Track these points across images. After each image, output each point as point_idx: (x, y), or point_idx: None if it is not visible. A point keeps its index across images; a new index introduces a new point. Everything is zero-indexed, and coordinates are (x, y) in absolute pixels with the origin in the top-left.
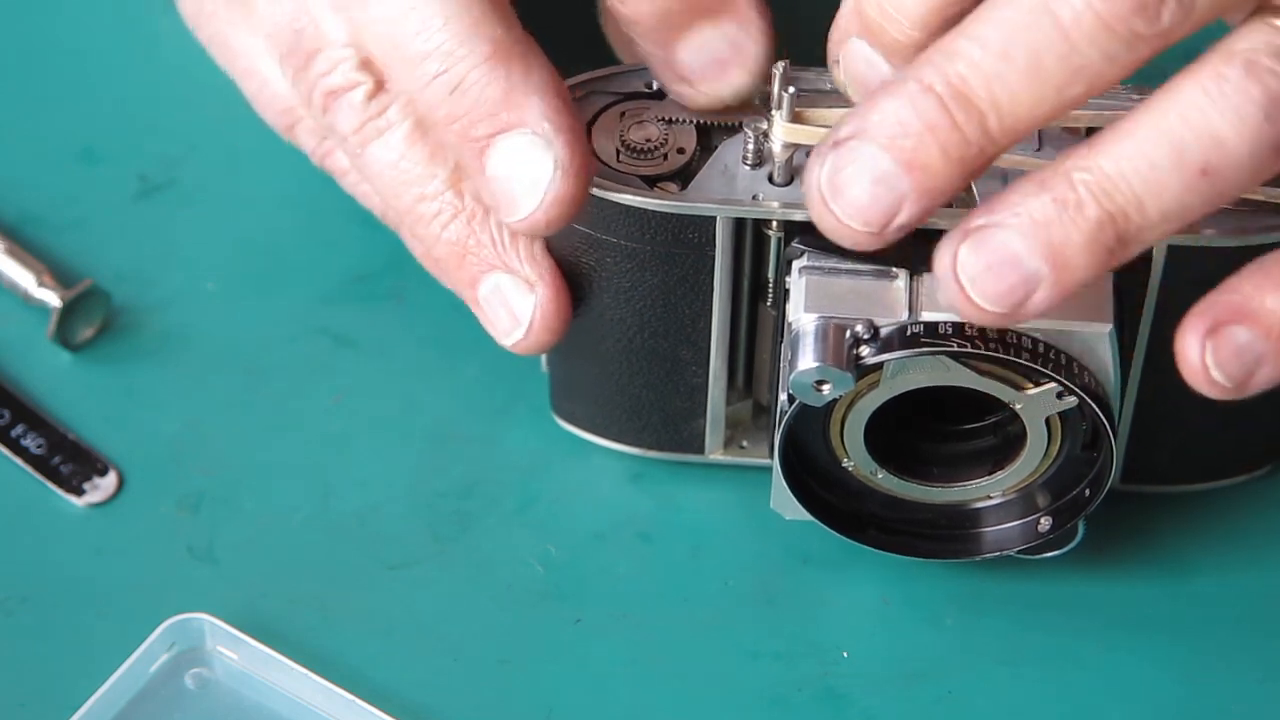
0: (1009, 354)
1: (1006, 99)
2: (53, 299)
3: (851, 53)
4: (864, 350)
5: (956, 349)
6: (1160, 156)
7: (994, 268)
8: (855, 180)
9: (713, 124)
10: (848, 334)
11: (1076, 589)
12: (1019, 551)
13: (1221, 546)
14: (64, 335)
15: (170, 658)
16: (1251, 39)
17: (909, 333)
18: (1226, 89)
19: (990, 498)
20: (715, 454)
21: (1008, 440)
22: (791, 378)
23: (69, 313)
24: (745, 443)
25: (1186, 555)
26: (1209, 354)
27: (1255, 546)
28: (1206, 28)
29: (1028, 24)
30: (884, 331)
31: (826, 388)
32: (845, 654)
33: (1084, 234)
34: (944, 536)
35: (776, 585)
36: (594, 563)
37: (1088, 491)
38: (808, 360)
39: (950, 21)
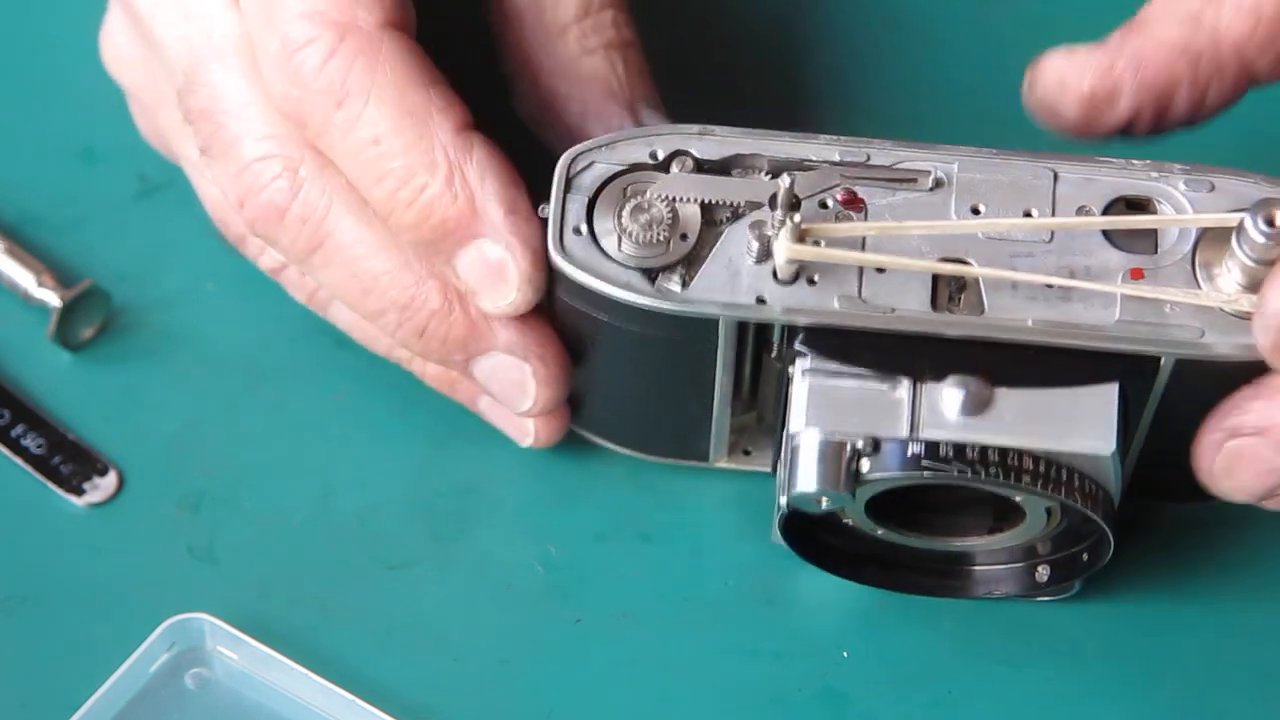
0: (1009, 478)
1: None
2: (53, 299)
3: None
4: (864, 464)
5: (956, 475)
6: None
7: None
8: (1249, 468)
9: (717, 203)
10: (847, 449)
11: (1077, 591)
12: (1016, 596)
13: (1228, 559)
14: (64, 335)
15: (170, 658)
16: None
17: (909, 453)
18: None
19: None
20: (720, 462)
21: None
22: (791, 495)
23: (69, 313)
24: (749, 449)
25: (1191, 565)
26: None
27: (1262, 561)
28: None
29: None
30: (885, 447)
31: (825, 501)
32: (845, 654)
33: None
34: (942, 573)
35: (776, 585)
36: (594, 563)
37: (1085, 556)
38: (809, 482)
39: None
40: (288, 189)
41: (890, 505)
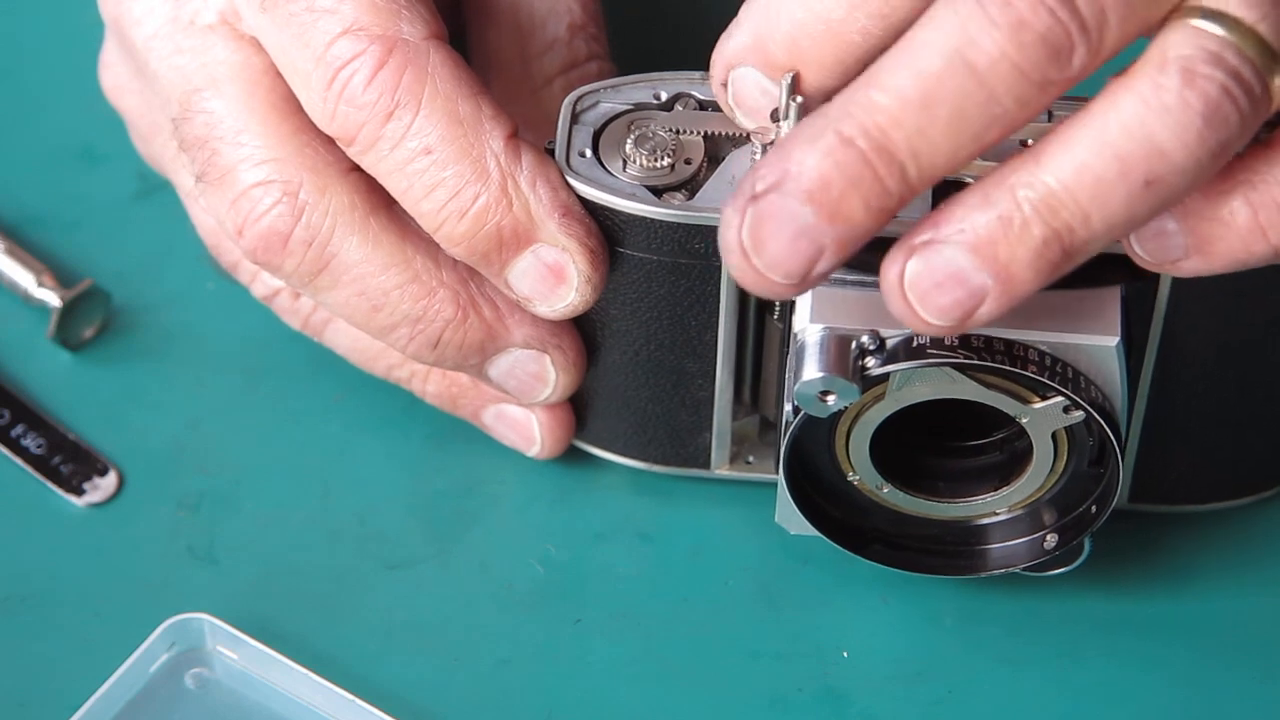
0: (1015, 366)
1: (926, 149)
2: (53, 299)
3: (744, 79)
4: (869, 361)
5: (962, 360)
6: (1104, 170)
7: (941, 284)
8: (777, 234)
9: (720, 135)
10: (853, 345)
11: (1078, 592)
12: (1024, 568)
13: (1227, 561)
14: (64, 335)
15: (170, 657)
16: (1181, 45)
17: (914, 344)
18: (1166, 99)
19: (996, 514)
20: (721, 469)
21: (1014, 456)
22: (796, 388)
23: (69, 313)
24: (751, 458)
25: (1190, 567)
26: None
27: (1261, 562)
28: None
29: (944, 74)
30: (889, 342)
31: (831, 398)
32: (845, 654)
33: (1030, 251)
34: (949, 553)
35: (776, 585)
36: (594, 563)
37: (1094, 508)
38: (812, 370)
39: (863, 63)
40: (289, 214)
41: (897, 463)
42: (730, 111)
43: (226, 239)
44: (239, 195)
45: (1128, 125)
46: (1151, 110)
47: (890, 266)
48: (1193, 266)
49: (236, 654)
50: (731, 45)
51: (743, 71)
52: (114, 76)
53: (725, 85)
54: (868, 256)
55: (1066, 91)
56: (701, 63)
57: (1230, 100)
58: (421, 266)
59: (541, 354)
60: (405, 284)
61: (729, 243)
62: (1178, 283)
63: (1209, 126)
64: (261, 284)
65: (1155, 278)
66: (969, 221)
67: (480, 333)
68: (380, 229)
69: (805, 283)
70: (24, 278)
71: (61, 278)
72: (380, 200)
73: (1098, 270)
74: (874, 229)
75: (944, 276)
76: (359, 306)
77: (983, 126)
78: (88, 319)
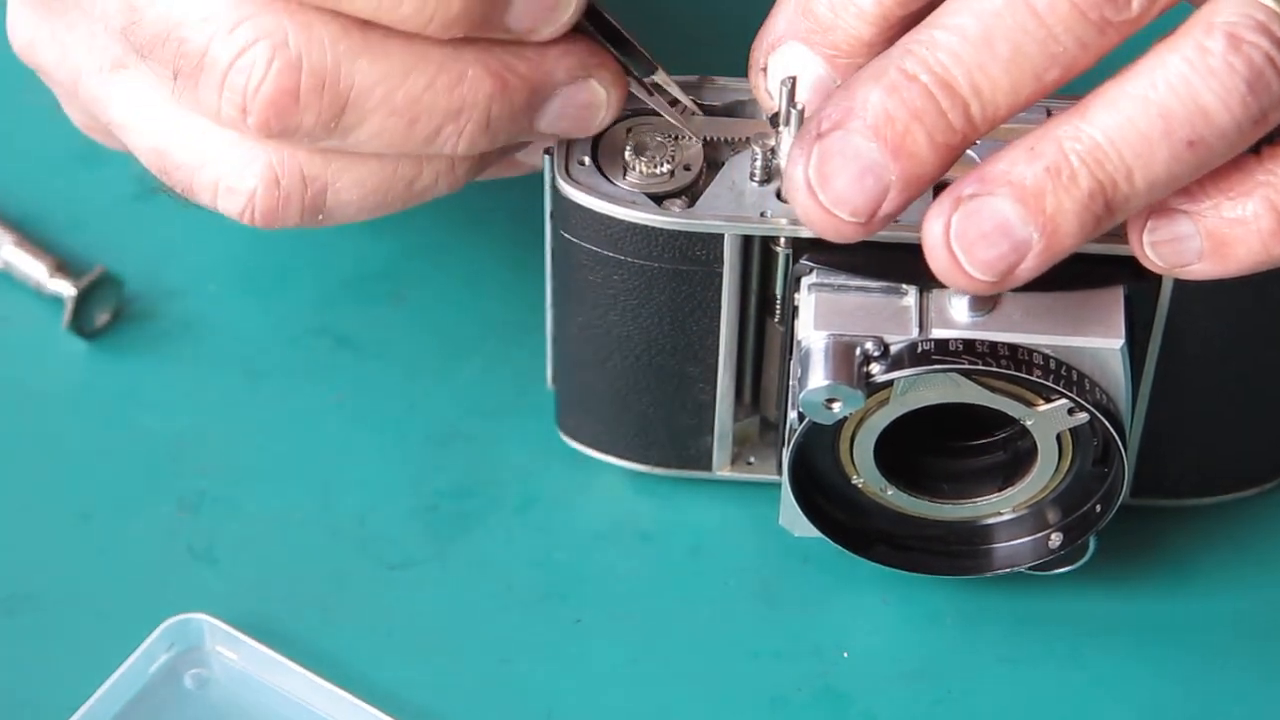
0: (1020, 371)
1: (988, 86)
2: (67, 288)
3: (786, 56)
4: (874, 368)
5: (967, 366)
6: (1149, 126)
7: (987, 235)
8: (843, 169)
9: (720, 140)
10: (857, 351)
11: (1078, 591)
12: (1029, 568)
13: (1228, 558)
14: (79, 324)
15: (170, 658)
16: (1228, 12)
17: (919, 350)
18: (1212, 62)
19: (1000, 514)
20: (723, 471)
21: (1018, 456)
22: (802, 396)
23: (83, 300)
24: (752, 459)
25: (1191, 564)
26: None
27: (1262, 559)
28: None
29: (1004, 12)
30: (894, 349)
31: (837, 405)
32: (845, 654)
33: (1076, 203)
34: (954, 553)
35: (776, 585)
36: (594, 563)
37: (1098, 507)
38: (818, 378)
39: (906, 19)
40: (287, 66)
41: (901, 464)
42: (769, 95)
43: (178, 152)
44: (227, 70)
45: (1173, 84)
46: (1197, 72)
47: (934, 220)
48: (1205, 270)
49: (236, 654)
50: (771, 24)
51: (787, 47)
52: (25, 33)
53: (764, 70)
54: (870, 259)
55: (1125, 39)
56: (698, 67)
57: (1274, 69)
58: (440, 56)
59: (586, 79)
60: (433, 79)
61: (795, 180)
62: (1180, 282)
63: (1252, 92)
64: (229, 196)
65: (1157, 278)
66: (1016, 172)
67: (525, 90)
68: (382, 38)
69: (872, 223)
70: (37, 269)
71: (69, 273)
72: (360, 16)
73: (1100, 271)
74: (938, 168)
75: (991, 227)
76: (394, 128)
77: (1043, 66)
78: (102, 306)
